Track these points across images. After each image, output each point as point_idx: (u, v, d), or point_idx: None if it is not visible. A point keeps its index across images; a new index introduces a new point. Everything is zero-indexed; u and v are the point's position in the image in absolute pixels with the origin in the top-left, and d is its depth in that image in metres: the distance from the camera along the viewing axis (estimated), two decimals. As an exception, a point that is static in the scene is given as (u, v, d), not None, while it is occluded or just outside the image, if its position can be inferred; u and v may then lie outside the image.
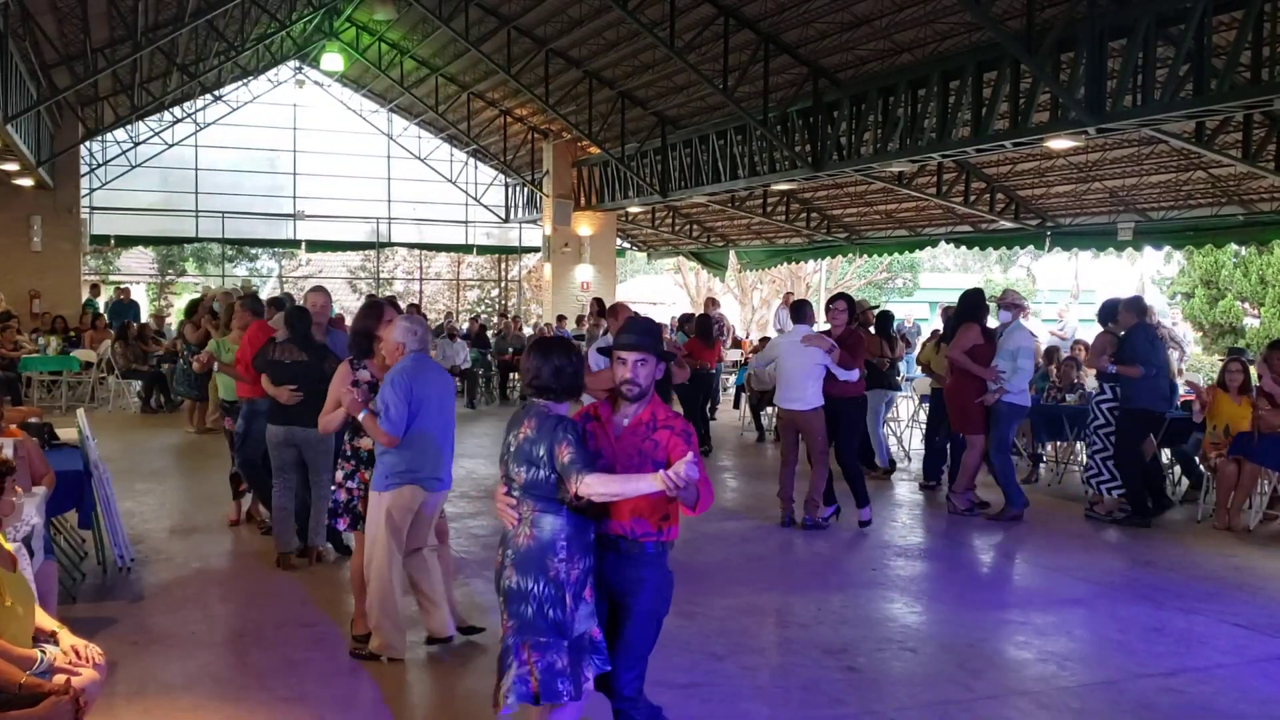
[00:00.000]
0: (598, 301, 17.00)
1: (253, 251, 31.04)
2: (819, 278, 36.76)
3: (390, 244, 25.85)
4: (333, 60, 21.03)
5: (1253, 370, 11.13)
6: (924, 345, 11.64)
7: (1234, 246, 18.65)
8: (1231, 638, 5.94)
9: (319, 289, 7.44)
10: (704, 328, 13.39)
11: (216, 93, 22.49)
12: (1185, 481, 10.15)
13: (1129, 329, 8.81)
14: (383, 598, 5.18)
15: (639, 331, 3.73)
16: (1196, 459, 9.57)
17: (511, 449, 3.65)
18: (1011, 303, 9.13)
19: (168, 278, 30.95)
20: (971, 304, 9.09)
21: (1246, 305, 19.70)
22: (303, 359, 6.77)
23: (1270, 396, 8.82)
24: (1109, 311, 9.16)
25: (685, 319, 15.93)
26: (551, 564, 3.54)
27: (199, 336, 12.69)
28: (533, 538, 3.57)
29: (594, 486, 3.45)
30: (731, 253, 24.17)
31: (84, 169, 20.83)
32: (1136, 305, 9.02)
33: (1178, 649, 5.84)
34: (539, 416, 3.62)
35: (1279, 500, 9.09)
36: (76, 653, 3.67)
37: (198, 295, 16.33)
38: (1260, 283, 19.29)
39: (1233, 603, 6.59)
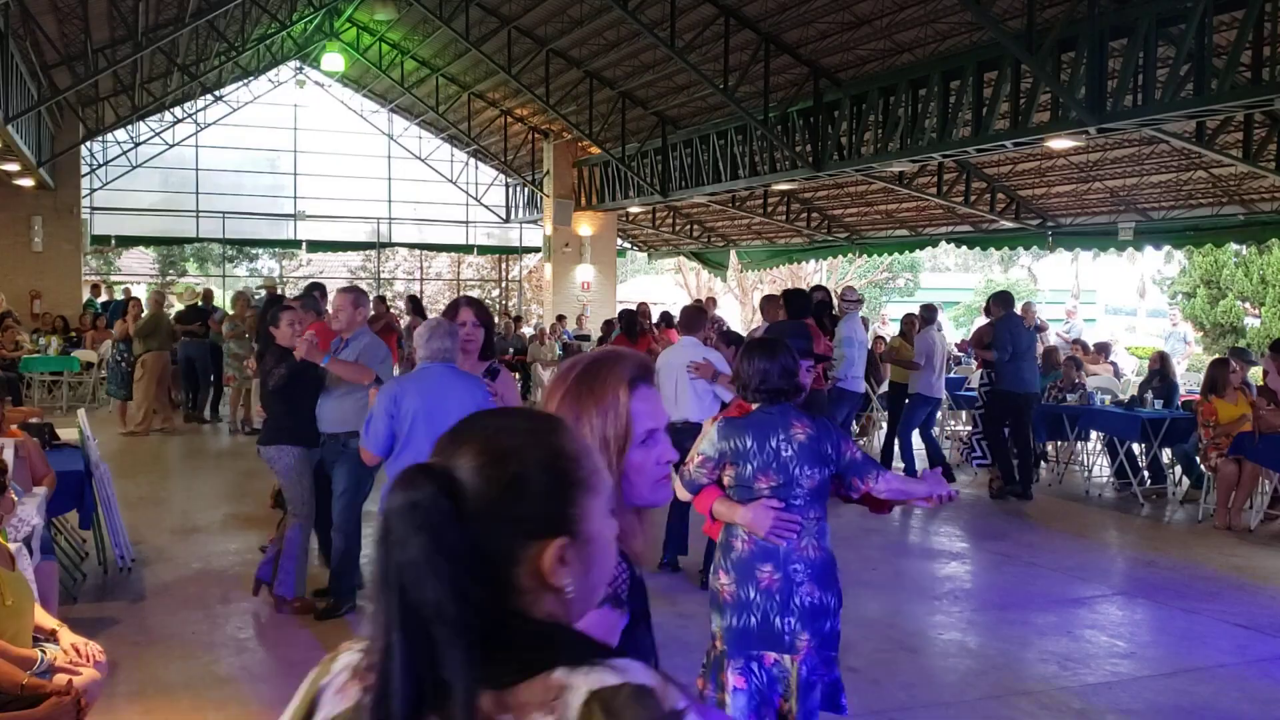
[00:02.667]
0: (412, 300, 15.22)
1: (253, 251, 31.04)
2: (820, 277, 36.72)
3: (391, 244, 25.84)
4: (333, 60, 21.02)
5: (1256, 371, 11.13)
6: (893, 337, 11.74)
7: (1234, 246, 18.64)
8: (1233, 637, 5.94)
9: (347, 290, 6.51)
10: (629, 323, 13.49)
11: (217, 93, 22.47)
12: (1185, 481, 10.14)
13: (998, 319, 9.84)
14: None
15: (804, 337, 3.64)
16: (1197, 459, 9.57)
17: (785, 454, 3.33)
18: (843, 299, 10.01)
19: (168, 278, 30.94)
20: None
21: (1247, 305, 19.69)
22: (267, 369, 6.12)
23: (1273, 394, 8.82)
24: (987, 306, 10.40)
25: (621, 316, 14.51)
26: (837, 575, 3.40)
27: (122, 332, 12.99)
28: (820, 548, 3.35)
29: (893, 483, 3.36)
30: (732, 253, 24.15)
31: (84, 169, 20.81)
32: (1003, 299, 10.08)
33: (1179, 649, 5.84)
34: (805, 418, 3.41)
35: (1279, 500, 9.10)
36: (77, 651, 3.67)
37: (131, 296, 16.36)
38: (1261, 282, 19.27)
39: (1234, 602, 6.59)
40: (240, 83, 22.57)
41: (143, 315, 13.02)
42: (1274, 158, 11.30)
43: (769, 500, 3.31)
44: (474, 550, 1.04)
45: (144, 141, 22.60)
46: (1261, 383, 10.08)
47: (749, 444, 3.35)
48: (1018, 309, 10.51)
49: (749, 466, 3.35)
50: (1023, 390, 9.79)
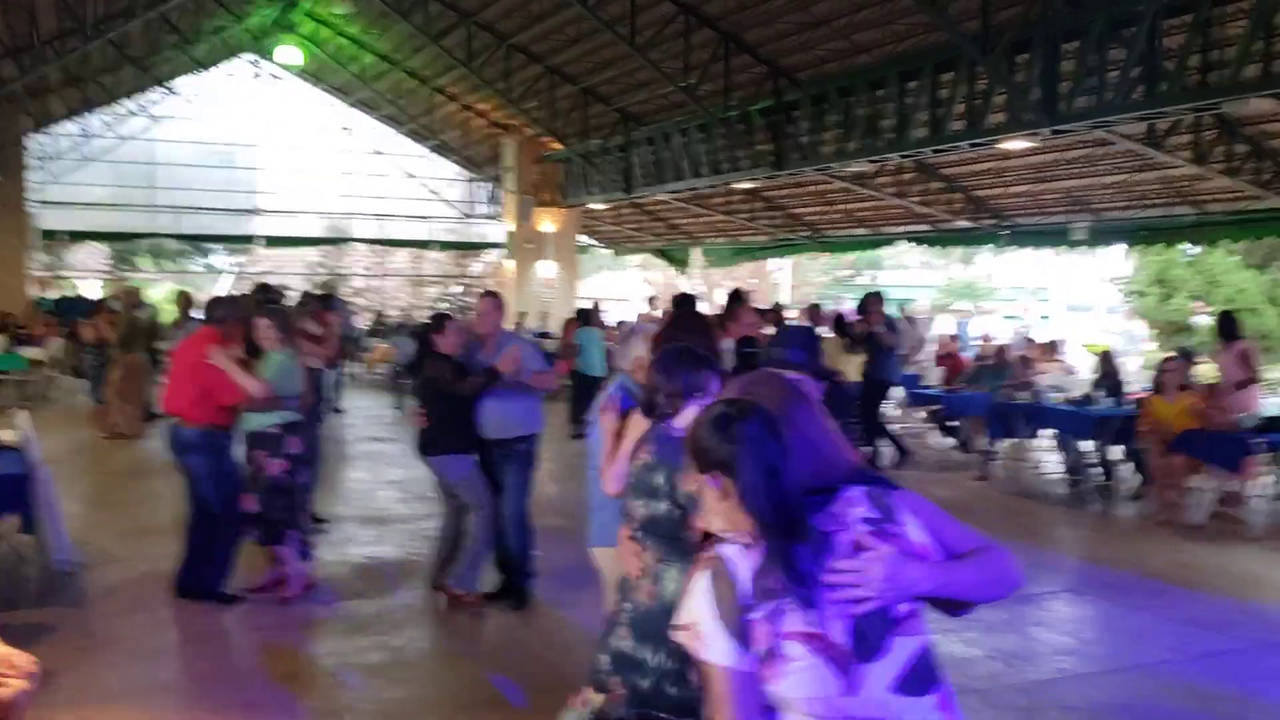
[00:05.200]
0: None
1: (209, 247, 30.67)
2: (783, 275, 36.91)
3: (350, 239, 25.65)
4: (290, 54, 20.77)
5: (1206, 367, 11.29)
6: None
7: (1185, 246, 18.94)
8: (1176, 634, 6.02)
9: (491, 294, 6.34)
10: (585, 320, 13.95)
11: (171, 86, 22.16)
12: (1135, 478, 10.25)
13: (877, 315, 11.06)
14: None
15: (796, 345, 3.13)
16: (1145, 456, 9.68)
17: (630, 479, 2.99)
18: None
19: (121, 273, 30.47)
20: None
21: (1197, 304, 20.02)
22: (431, 375, 6.04)
23: (1220, 391, 8.96)
24: (862, 304, 11.32)
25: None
26: (665, 634, 2.66)
27: (95, 337, 12.60)
28: (654, 595, 2.80)
29: None
30: (696, 250, 24.18)
31: (33, 163, 20.44)
32: (881, 298, 11.30)
33: (1124, 645, 5.92)
34: (658, 438, 2.96)
35: (1228, 498, 9.23)
36: (11, 664, 3.58)
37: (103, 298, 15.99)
38: (1210, 281, 19.61)
39: (1178, 599, 6.68)
40: (195, 75, 22.26)
41: (118, 318, 12.61)
42: (1223, 159, 11.50)
43: (624, 529, 3.01)
44: None
45: (95, 135, 22.23)
46: (1213, 379, 10.24)
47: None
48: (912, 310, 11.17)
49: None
50: (895, 380, 11.57)
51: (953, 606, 2.07)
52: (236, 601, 6.17)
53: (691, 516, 2.44)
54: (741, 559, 1.92)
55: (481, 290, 6.90)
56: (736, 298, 8.60)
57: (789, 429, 1.97)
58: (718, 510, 2.02)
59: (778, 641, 1.88)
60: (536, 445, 6.22)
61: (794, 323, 10.59)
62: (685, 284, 33.48)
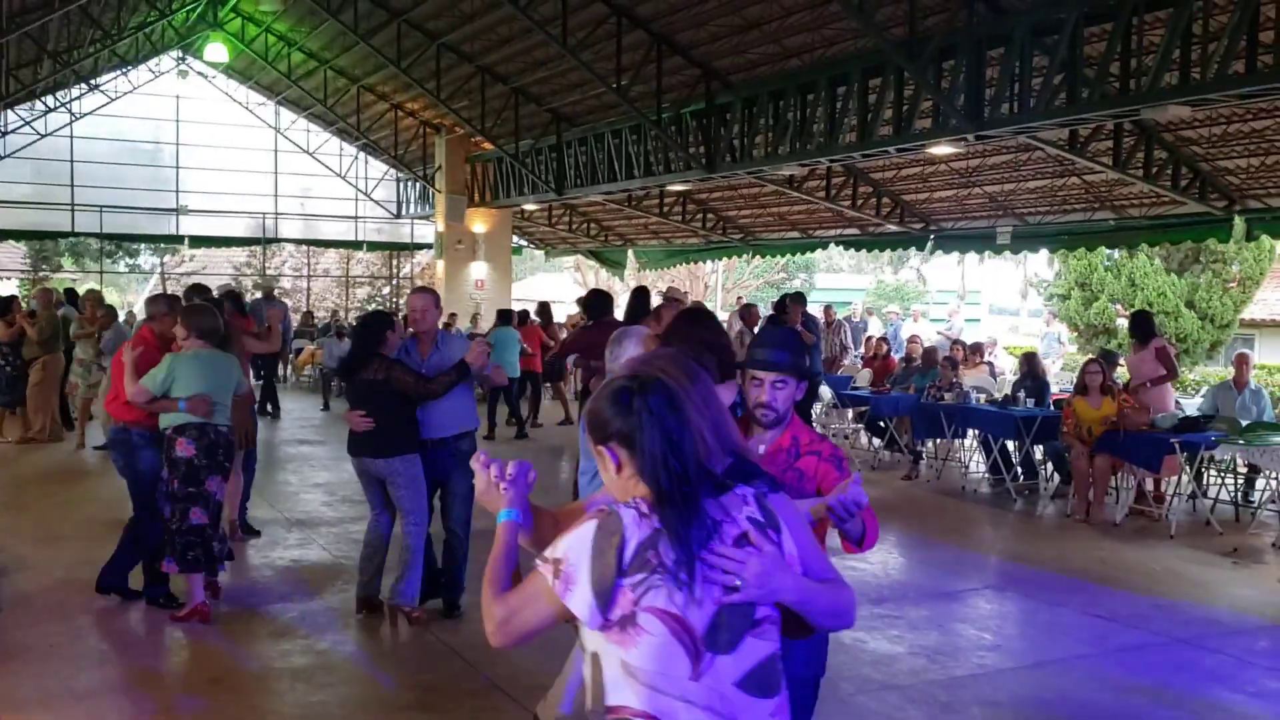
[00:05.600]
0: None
1: (133, 247, 29.91)
2: (717, 278, 37.11)
3: (277, 240, 25.21)
4: (216, 51, 20.35)
5: (1121, 368, 11.59)
6: None
7: (1106, 250, 19.41)
8: (1093, 629, 6.18)
9: (422, 290, 6.29)
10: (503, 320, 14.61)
11: (93, 82, 21.58)
12: (1056, 477, 10.51)
13: (797, 315, 11.82)
14: None
15: (777, 346, 3.07)
16: (1066, 455, 9.92)
17: None
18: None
19: (41, 273, 29.57)
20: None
21: (1118, 306, 20.53)
22: (375, 377, 5.77)
23: (1136, 391, 9.20)
24: (780, 304, 12.16)
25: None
26: None
27: (11, 335, 12.15)
28: None
29: None
30: (630, 252, 24.18)
31: (-55, 159, 19.76)
32: (801, 298, 12.30)
33: (1043, 641, 6.06)
34: None
35: (1144, 496, 9.51)
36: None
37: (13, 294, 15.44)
38: (1131, 285, 20.14)
39: (1096, 594, 6.86)
40: (118, 72, 21.71)
41: (39, 317, 12.12)
42: (1142, 165, 11.80)
43: None
44: None
45: (12, 131, 21.55)
46: (1127, 379, 10.53)
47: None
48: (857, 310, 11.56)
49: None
50: (819, 376, 12.40)
51: (793, 627, 2.10)
52: (166, 602, 6.02)
53: None
54: (634, 524, 1.96)
55: (414, 288, 6.66)
56: (643, 294, 8.31)
57: (688, 404, 2.03)
58: (613, 482, 2.10)
59: (636, 611, 1.92)
60: (475, 443, 6.16)
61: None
62: (618, 286, 33.51)
